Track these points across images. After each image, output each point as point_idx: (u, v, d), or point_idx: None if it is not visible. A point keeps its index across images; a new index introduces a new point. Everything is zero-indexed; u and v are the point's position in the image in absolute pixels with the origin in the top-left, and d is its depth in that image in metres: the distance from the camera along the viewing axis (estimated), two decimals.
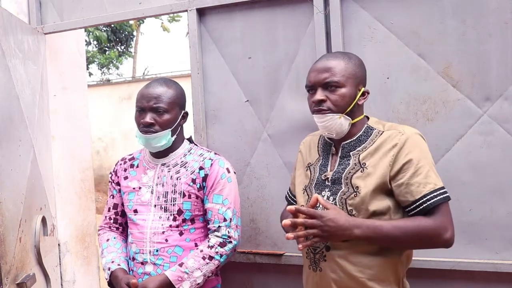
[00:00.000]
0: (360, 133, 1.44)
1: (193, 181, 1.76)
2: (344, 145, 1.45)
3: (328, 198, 1.43)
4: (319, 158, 1.52)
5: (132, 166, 1.89)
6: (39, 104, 2.38)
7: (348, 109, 1.41)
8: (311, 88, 1.46)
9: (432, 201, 1.30)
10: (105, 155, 11.27)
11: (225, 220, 1.74)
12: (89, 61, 18.86)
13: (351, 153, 1.43)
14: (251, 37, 2.08)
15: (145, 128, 1.73)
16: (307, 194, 1.51)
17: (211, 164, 1.78)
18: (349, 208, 1.38)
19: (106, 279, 1.79)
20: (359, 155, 1.41)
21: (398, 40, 1.83)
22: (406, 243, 1.34)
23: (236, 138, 2.13)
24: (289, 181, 2.02)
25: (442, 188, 1.33)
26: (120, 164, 1.94)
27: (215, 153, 1.85)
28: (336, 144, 1.49)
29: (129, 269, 1.79)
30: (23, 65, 2.22)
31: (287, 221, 1.31)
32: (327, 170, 1.47)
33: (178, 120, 1.79)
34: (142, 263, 1.75)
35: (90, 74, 20.01)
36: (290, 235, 1.30)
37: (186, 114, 1.84)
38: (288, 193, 1.74)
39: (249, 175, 2.11)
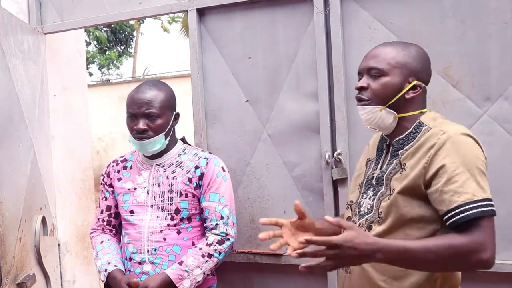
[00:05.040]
0: (410, 129, 1.29)
1: (190, 180, 1.77)
2: (393, 143, 1.32)
3: (369, 198, 1.33)
4: (376, 155, 1.42)
5: (125, 167, 1.89)
6: (39, 104, 2.38)
7: (391, 101, 1.28)
8: (359, 75, 1.35)
9: (466, 213, 1.12)
10: (105, 155, 11.27)
11: (222, 218, 1.76)
12: (89, 61, 18.87)
13: (399, 152, 1.29)
14: (251, 37, 2.08)
15: (139, 135, 1.73)
16: (359, 192, 1.40)
17: (207, 163, 1.79)
18: (379, 210, 1.27)
19: (103, 281, 1.78)
20: (403, 154, 1.28)
21: (398, 40, 1.83)
22: (435, 265, 1.15)
23: (236, 138, 2.13)
24: (289, 181, 2.03)
25: (485, 200, 1.14)
26: (112, 166, 1.92)
27: (209, 153, 1.87)
28: (390, 142, 1.35)
29: (125, 269, 1.79)
30: (23, 65, 2.22)
31: (297, 252, 1.14)
32: (376, 168, 1.37)
33: (171, 123, 1.79)
34: (139, 263, 1.75)
35: (90, 74, 20.02)
36: (303, 264, 1.13)
37: (178, 115, 1.84)
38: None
39: (249, 175, 2.11)
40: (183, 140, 1.93)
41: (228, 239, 1.76)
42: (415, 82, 1.29)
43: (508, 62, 1.69)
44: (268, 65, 2.05)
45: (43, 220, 2.29)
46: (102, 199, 1.92)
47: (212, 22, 2.15)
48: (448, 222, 1.15)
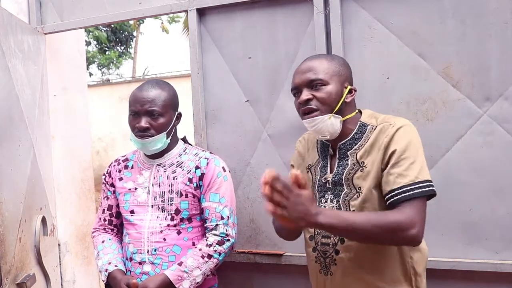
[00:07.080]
0: (355, 131, 1.42)
1: (190, 180, 1.77)
2: (340, 146, 1.43)
3: (331, 200, 1.41)
4: (319, 160, 1.50)
5: (126, 167, 1.89)
6: (39, 104, 2.38)
7: (337, 108, 1.38)
8: (297, 90, 1.43)
9: (406, 194, 1.25)
10: (105, 155, 11.28)
11: (222, 218, 1.75)
12: (89, 61, 18.88)
13: (348, 153, 1.41)
14: (251, 37, 2.08)
15: (141, 133, 1.73)
16: (314, 197, 1.47)
17: (207, 163, 1.79)
18: (351, 208, 1.35)
19: (103, 281, 1.78)
20: (356, 154, 1.39)
21: (398, 40, 1.83)
22: (370, 235, 1.23)
23: (236, 138, 2.13)
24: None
25: (425, 181, 1.27)
26: (114, 165, 1.93)
27: (210, 152, 1.87)
28: (333, 145, 1.46)
29: (126, 269, 1.79)
30: (23, 65, 2.22)
31: (267, 190, 1.13)
32: (327, 172, 1.45)
33: (173, 122, 1.79)
34: (140, 263, 1.75)
35: (90, 74, 20.03)
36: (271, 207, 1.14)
37: (180, 115, 1.85)
38: None
39: (249, 175, 2.11)
40: (184, 140, 1.92)
41: (228, 240, 1.75)
42: (350, 87, 1.43)
43: (508, 62, 1.69)
44: (268, 65, 2.06)
45: (43, 220, 2.29)
46: (103, 198, 1.93)
47: (212, 22, 2.15)
48: (391, 201, 1.28)
